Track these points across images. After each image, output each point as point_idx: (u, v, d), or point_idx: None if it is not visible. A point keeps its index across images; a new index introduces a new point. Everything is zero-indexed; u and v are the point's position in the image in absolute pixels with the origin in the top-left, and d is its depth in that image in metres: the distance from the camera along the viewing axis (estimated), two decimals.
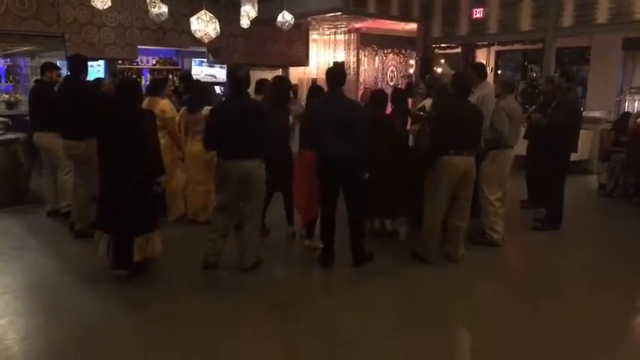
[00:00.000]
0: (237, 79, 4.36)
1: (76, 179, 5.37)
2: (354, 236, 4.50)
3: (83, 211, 5.23)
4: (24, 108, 8.83)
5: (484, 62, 11.34)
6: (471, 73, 5.93)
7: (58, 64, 6.53)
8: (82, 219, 5.22)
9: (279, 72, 11.79)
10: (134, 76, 10.65)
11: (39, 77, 6.25)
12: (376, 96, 5.36)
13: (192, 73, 11.86)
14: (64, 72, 6.31)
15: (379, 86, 13.45)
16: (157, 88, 5.73)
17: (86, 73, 5.40)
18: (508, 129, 4.96)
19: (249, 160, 4.24)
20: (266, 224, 5.30)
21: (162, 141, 5.02)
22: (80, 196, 5.22)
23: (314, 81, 12.67)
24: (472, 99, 5.71)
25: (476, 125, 4.60)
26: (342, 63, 12.50)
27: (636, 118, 7.26)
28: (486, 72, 6.10)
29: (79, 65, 5.26)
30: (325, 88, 5.11)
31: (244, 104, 4.31)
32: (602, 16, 8.19)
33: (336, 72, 4.53)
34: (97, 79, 7.21)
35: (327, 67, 13.31)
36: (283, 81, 5.41)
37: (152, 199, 4.27)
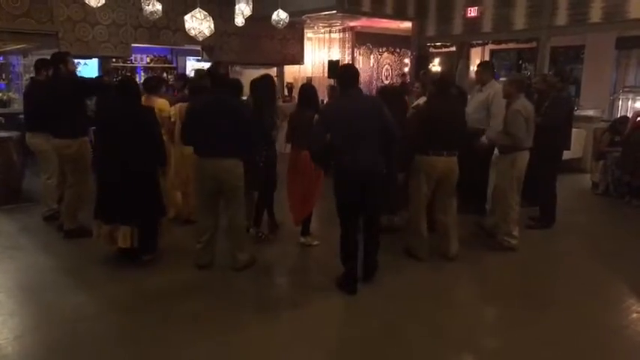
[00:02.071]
0: (216, 77, 4.31)
1: (65, 179, 5.30)
2: (369, 250, 4.13)
3: (73, 211, 5.19)
4: (17, 106, 8.79)
5: (475, 62, 11.38)
6: (482, 70, 5.92)
7: None
8: (71, 219, 5.18)
9: (274, 70, 11.79)
10: (128, 74, 10.61)
11: (33, 75, 6.16)
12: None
13: (188, 67, 11.90)
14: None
15: (374, 85, 13.48)
16: (154, 86, 5.71)
17: (61, 66, 5.19)
18: (525, 133, 4.83)
19: (226, 159, 4.18)
20: (277, 220, 5.38)
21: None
22: (70, 196, 5.16)
23: (309, 80, 12.68)
24: (482, 96, 5.72)
25: (457, 125, 4.55)
26: (338, 61, 12.51)
27: (636, 117, 7.28)
28: (494, 70, 6.12)
29: (53, 62, 5.19)
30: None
31: (222, 102, 4.25)
32: (595, 15, 8.22)
33: (350, 70, 4.09)
34: (97, 77, 7.19)
35: (322, 65, 13.14)
36: (264, 80, 5.15)
37: (159, 189, 4.58)
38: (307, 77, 13.45)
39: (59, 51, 5.82)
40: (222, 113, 4.18)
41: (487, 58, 12.70)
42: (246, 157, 4.33)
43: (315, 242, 5.03)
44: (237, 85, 4.94)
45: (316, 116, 4.52)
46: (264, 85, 5.00)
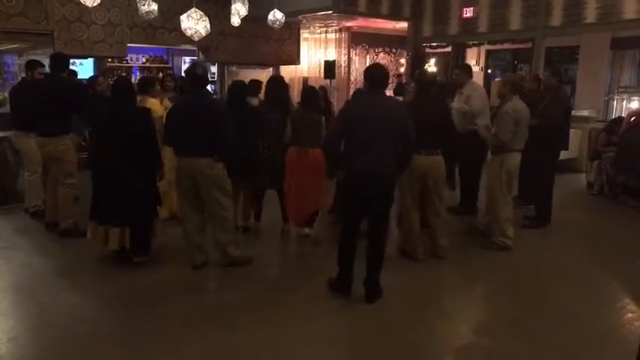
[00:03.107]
0: (193, 77, 4.31)
1: (51, 178, 5.32)
2: (373, 266, 3.86)
3: (66, 210, 5.18)
4: None
5: (471, 62, 11.44)
6: (460, 73, 6.02)
7: (46, 62, 6.47)
8: (66, 217, 5.17)
9: (270, 70, 11.79)
10: (124, 74, 10.59)
11: (24, 75, 6.20)
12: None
13: (184, 68, 11.86)
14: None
15: None
16: (146, 86, 5.71)
17: (65, 71, 5.37)
18: (512, 135, 4.79)
19: (200, 159, 4.18)
20: (260, 222, 5.36)
21: None
22: (62, 195, 5.15)
23: (305, 80, 12.67)
24: (462, 98, 5.78)
25: (438, 124, 4.50)
26: (334, 61, 12.50)
27: (630, 117, 7.31)
28: (472, 72, 6.23)
29: (57, 63, 5.20)
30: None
31: (198, 102, 4.26)
32: (590, 15, 8.26)
33: (381, 70, 3.86)
34: (92, 77, 7.17)
35: (318, 65, 13.13)
36: (278, 81, 5.31)
37: (154, 189, 4.56)
38: (303, 77, 13.45)
39: (60, 52, 5.84)
40: (196, 113, 4.19)
41: (483, 58, 12.74)
42: (221, 156, 4.29)
43: (307, 230, 5.09)
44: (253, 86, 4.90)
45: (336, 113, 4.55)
46: (278, 86, 5.11)
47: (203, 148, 4.18)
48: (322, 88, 8.40)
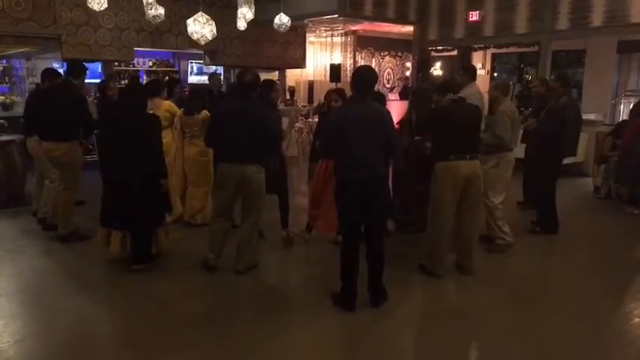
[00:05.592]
0: (242, 83, 4.34)
1: (57, 183, 5.30)
2: (374, 272, 3.83)
3: (66, 215, 5.18)
4: (20, 110, 8.80)
5: (477, 66, 11.42)
6: (462, 74, 6.00)
7: (55, 66, 6.50)
8: (65, 223, 5.17)
9: (276, 74, 11.82)
10: (136, 77, 10.64)
11: (39, 82, 6.20)
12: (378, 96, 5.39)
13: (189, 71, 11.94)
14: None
15: (375, 88, 13.46)
16: (157, 88, 5.76)
17: (81, 79, 5.40)
18: (510, 134, 4.87)
19: (249, 165, 4.21)
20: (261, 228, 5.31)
21: (164, 140, 4.97)
22: (62, 200, 5.15)
23: (310, 83, 12.62)
24: None
25: (475, 127, 4.40)
26: (339, 65, 12.52)
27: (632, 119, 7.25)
28: (476, 73, 6.16)
29: (75, 70, 5.24)
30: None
31: (247, 108, 4.27)
32: (597, 19, 8.23)
33: (367, 75, 3.81)
34: (102, 82, 7.21)
35: (324, 69, 13.07)
36: (265, 83, 5.10)
37: (160, 196, 4.51)
38: (309, 81, 13.47)
39: (79, 61, 5.85)
40: (248, 120, 4.19)
41: (489, 62, 12.73)
42: (265, 161, 4.39)
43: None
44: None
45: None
46: (269, 88, 4.96)
47: (254, 155, 4.25)
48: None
